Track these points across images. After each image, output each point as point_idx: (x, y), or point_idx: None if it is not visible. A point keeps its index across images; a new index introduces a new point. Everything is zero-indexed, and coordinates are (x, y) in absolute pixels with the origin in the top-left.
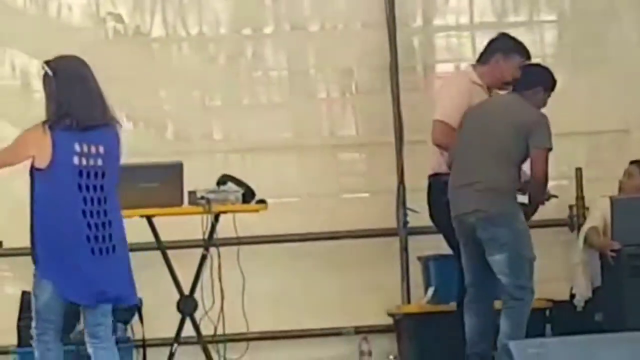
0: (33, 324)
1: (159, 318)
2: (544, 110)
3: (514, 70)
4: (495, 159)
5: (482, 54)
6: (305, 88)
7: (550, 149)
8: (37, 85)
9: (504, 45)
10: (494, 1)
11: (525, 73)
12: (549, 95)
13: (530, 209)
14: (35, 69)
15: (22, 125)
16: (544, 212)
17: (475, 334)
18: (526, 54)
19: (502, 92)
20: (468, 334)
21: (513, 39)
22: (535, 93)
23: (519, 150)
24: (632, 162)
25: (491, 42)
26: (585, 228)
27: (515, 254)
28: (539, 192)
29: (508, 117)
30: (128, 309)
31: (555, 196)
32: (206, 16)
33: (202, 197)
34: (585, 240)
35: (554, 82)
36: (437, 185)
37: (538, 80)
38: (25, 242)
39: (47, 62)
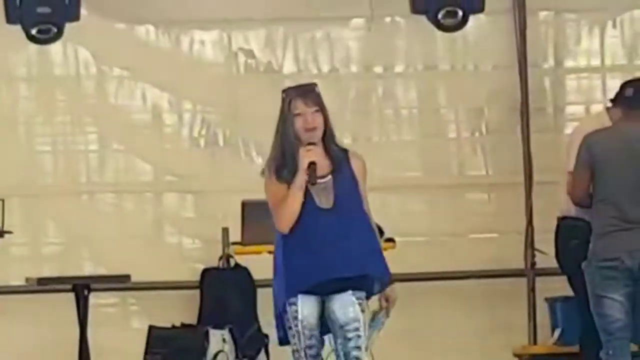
0: None
1: (284, 355)
2: None
3: None
4: None
5: (614, 97)
6: (435, 127)
7: None
8: (168, 119)
9: None
10: (625, 43)
11: (639, 91)
12: None
13: None
14: (167, 103)
15: (152, 158)
16: None
17: None
18: None
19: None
20: None
21: None
22: None
23: None
24: None
25: (622, 85)
26: None
27: None
28: None
29: None
30: (254, 345)
31: None
32: (338, 53)
33: None
34: None
35: None
36: (566, 229)
37: None
38: (153, 276)
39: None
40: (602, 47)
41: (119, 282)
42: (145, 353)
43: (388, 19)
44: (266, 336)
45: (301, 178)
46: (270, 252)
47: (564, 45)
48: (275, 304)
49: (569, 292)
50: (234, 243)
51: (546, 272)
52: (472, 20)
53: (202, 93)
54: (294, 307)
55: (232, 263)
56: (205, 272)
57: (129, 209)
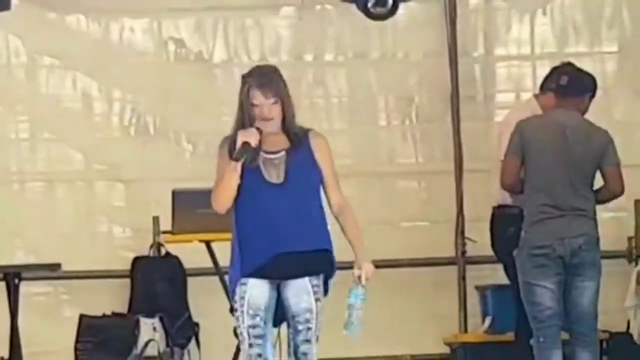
0: None
1: (215, 343)
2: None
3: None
4: (587, 186)
5: (542, 84)
6: (366, 115)
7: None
8: (99, 107)
9: None
10: (555, 31)
11: (573, 79)
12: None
13: None
14: (97, 92)
15: (83, 147)
16: (603, 243)
17: None
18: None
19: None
20: None
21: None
22: (584, 101)
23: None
24: None
25: (552, 71)
26: (637, 269)
27: (599, 284)
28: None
29: (587, 144)
30: (184, 333)
31: None
32: (268, 41)
33: None
34: (638, 281)
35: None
36: (502, 218)
37: (588, 87)
38: (84, 265)
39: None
40: (532, 35)
41: (50, 271)
42: (76, 342)
43: (318, 7)
44: (197, 324)
45: (233, 164)
46: (200, 241)
47: (494, 33)
48: (229, 280)
49: (500, 281)
50: (165, 232)
51: (476, 261)
52: (402, 8)
53: (133, 82)
54: (243, 288)
55: (163, 252)
56: (135, 260)
57: (59, 198)
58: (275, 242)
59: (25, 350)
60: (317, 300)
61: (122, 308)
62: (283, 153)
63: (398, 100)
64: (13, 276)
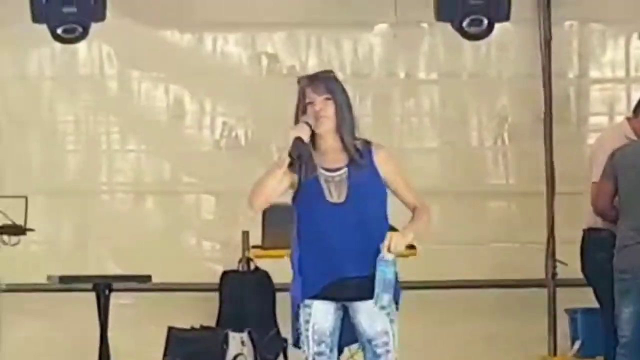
0: None
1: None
2: None
3: None
4: None
5: (636, 107)
6: (457, 134)
7: None
8: (190, 120)
9: None
10: None
11: None
12: None
13: None
14: (189, 105)
15: (173, 159)
16: None
17: None
18: None
19: None
20: None
21: None
22: None
23: None
24: None
25: None
26: None
27: None
28: None
29: None
30: (272, 348)
31: None
32: (361, 58)
33: None
34: None
35: None
36: (592, 241)
37: None
38: (172, 277)
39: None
40: (627, 58)
41: (141, 282)
42: (164, 355)
43: (413, 26)
44: (285, 340)
45: (280, 160)
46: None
47: (589, 55)
48: (292, 303)
49: (590, 304)
50: (254, 247)
51: (567, 283)
52: (498, 28)
53: (225, 95)
54: (307, 310)
55: (252, 266)
56: (224, 274)
57: (148, 209)
58: (336, 266)
59: None
60: (391, 321)
61: (210, 322)
62: (344, 170)
63: (491, 120)
64: (104, 287)
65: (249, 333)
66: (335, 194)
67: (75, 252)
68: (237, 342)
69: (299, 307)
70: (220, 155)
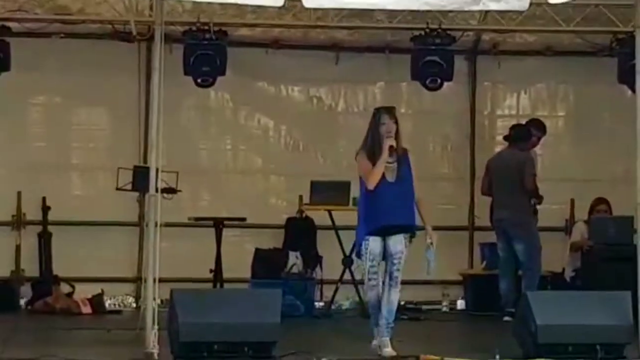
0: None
1: (330, 268)
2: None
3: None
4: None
5: (506, 137)
6: (422, 145)
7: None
8: (271, 133)
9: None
10: None
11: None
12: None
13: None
14: (271, 126)
15: (263, 154)
16: (551, 221)
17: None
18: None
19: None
20: (503, 290)
21: None
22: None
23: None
24: (598, 199)
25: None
26: (570, 241)
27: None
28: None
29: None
30: (314, 261)
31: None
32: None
33: None
34: (571, 248)
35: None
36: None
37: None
38: (263, 219)
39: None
40: (517, 104)
41: (240, 221)
42: (252, 264)
43: (397, 82)
44: (321, 257)
45: (384, 157)
46: (325, 210)
47: (496, 101)
48: (356, 236)
49: (492, 240)
50: (306, 204)
51: (480, 229)
52: (446, 85)
53: (291, 120)
54: (366, 242)
55: (304, 215)
56: (288, 219)
57: (248, 183)
58: (387, 217)
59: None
60: (405, 246)
61: (278, 245)
62: (395, 163)
63: (441, 138)
64: (219, 223)
65: (301, 253)
66: (390, 176)
67: (204, 205)
68: (293, 257)
69: (361, 239)
70: (288, 154)
